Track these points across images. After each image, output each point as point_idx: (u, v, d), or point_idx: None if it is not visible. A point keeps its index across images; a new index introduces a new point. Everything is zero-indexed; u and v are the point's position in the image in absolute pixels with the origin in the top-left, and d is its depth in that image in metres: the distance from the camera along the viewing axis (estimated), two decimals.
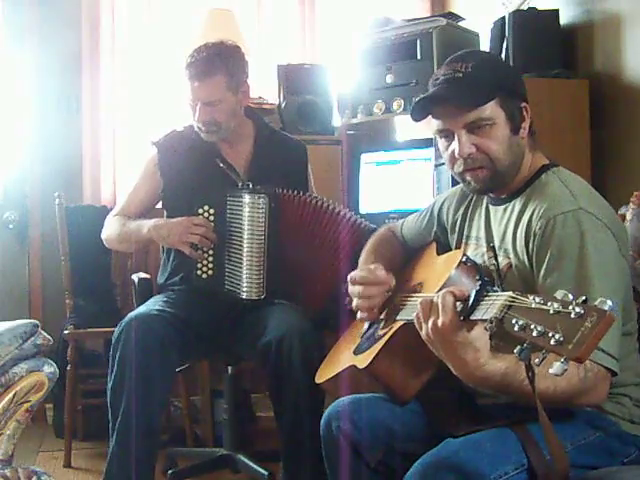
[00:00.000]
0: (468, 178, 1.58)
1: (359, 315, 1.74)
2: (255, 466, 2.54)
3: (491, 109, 1.53)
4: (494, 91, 1.53)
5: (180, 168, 2.48)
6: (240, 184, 2.41)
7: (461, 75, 1.54)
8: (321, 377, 1.81)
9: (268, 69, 3.55)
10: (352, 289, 1.75)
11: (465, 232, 1.73)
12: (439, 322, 1.28)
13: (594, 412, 1.47)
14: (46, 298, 3.57)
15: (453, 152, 1.56)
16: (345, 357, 1.73)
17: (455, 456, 1.35)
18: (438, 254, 1.78)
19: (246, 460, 2.59)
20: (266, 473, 2.47)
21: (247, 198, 2.29)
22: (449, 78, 1.55)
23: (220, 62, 2.38)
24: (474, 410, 1.59)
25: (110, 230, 2.53)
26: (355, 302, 1.74)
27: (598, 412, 1.47)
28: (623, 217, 2.00)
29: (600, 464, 1.42)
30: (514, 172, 1.57)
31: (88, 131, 3.56)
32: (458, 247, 1.75)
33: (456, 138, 1.54)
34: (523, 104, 1.58)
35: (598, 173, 2.63)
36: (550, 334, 1.07)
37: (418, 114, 1.60)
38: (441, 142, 1.61)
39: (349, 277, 1.76)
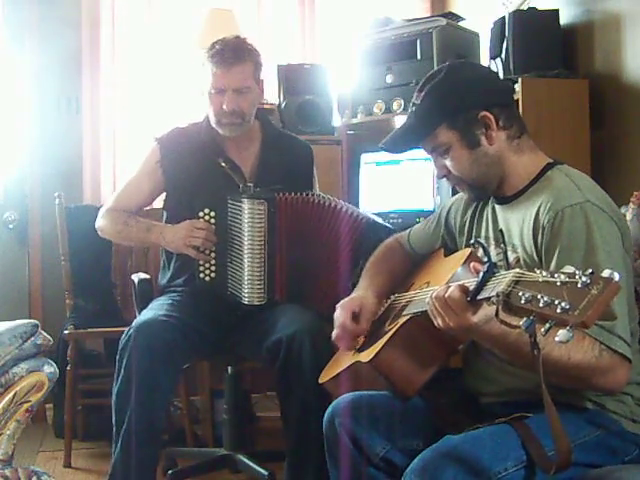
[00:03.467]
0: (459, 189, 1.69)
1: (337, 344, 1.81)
2: (255, 466, 2.53)
3: (442, 134, 1.59)
4: (439, 118, 1.58)
5: (183, 166, 2.46)
6: (241, 186, 2.38)
7: (414, 108, 1.64)
8: (325, 377, 1.81)
9: (268, 69, 3.54)
10: (335, 320, 1.81)
11: (474, 232, 1.74)
12: (454, 316, 1.32)
13: (596, 410, 1.47)
14: (46, 298, 3.57)
15: None
16: (348, 357, 1.73)
17: (455, 451, 1.36)
18: (445, 257, 1.79)
19: (246, 460, 2.58)
20: (266, 473, 2.47)
21: (246, 204, 2.28)
22: (409, 112, 1.66)
23: (248, 50, 2.40)
24: (477, 409, 1.60)
25: (109, 223, 2.49)
26: (334, 335, 1.81)
27: (600, 410, 1.48)
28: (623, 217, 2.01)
29: (601, 462, 1.42)
30: (493, 179, 1.61)
31: (88, 131, 3.56)
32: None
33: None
34: (482, 113, 1.57)
35: (598, 173, 2.62)
36: (556, 302, 1.08)
37: (393, 149, 1.75)
38: None
39: (337, 306, 1.82)
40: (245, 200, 2.28)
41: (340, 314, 1.79)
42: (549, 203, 1.49)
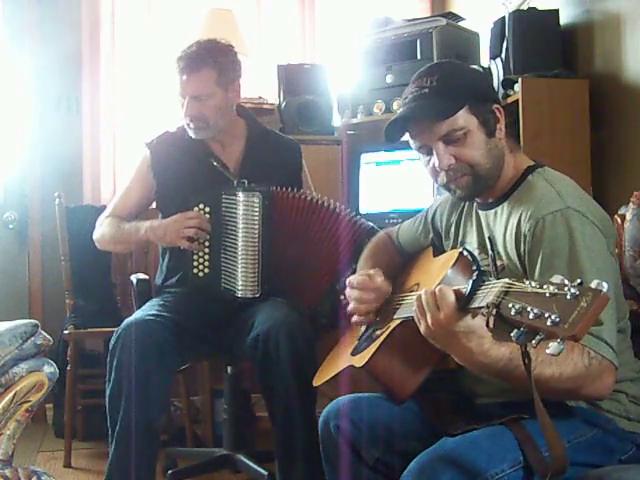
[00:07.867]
0: (453, 187, 1.59)
1: (354, 318, 1.75)
2: (255, 466, 2.53)
3: (463, 118, 1.54)
4: (462, 99, 1.54)
5: (174, 169, 2.48)
6: (235, 182, 2.40)
7: (427, 90, 1.56)
8: (319, 379, 1.81)
9: (268, 69, 3.55)
10: (350, 292, 1.76)
11: (460, 238, 1.73)
12: (439, 315, 1.29)
13: (590, 410, 1.47)
14: (46, 298, 3.58)
15: (434, 166, 1.57)
16: (343, 359, 1.73)
17: (451, 454, 1.35)
18: (434, 257, 1.79)
19: (246, 460, 2.58)
20: (266, 473, 2.47)
21: (241, 196, 2.30)
22: (416, 95, 1.57)
23: (210, 57, 2.38)
24: (472, 410, 1.60)
25: (104, 231, 2.51)
26: (351, 305, 1.76)
27: (594, 409, 1.47)
28: (623, 217, 2.01)
29: (597, 462, 1.42)
30: (496, 174, 1.58)
31: (88, 131, 3.56)
32: None
33: (434, 152, 1.56)
34: (495, 105, 1.59)
35: (598, 173, 2.63)
36: (546, 315, 1.08)
37: (393, 136, 1.62)
38: (422, 157, 1.62)
39: (347, 281, 1.78)
40: (240, 193, 2.31)
41: (356, 278, 1.75)
42: (530, 211, 1.49)
